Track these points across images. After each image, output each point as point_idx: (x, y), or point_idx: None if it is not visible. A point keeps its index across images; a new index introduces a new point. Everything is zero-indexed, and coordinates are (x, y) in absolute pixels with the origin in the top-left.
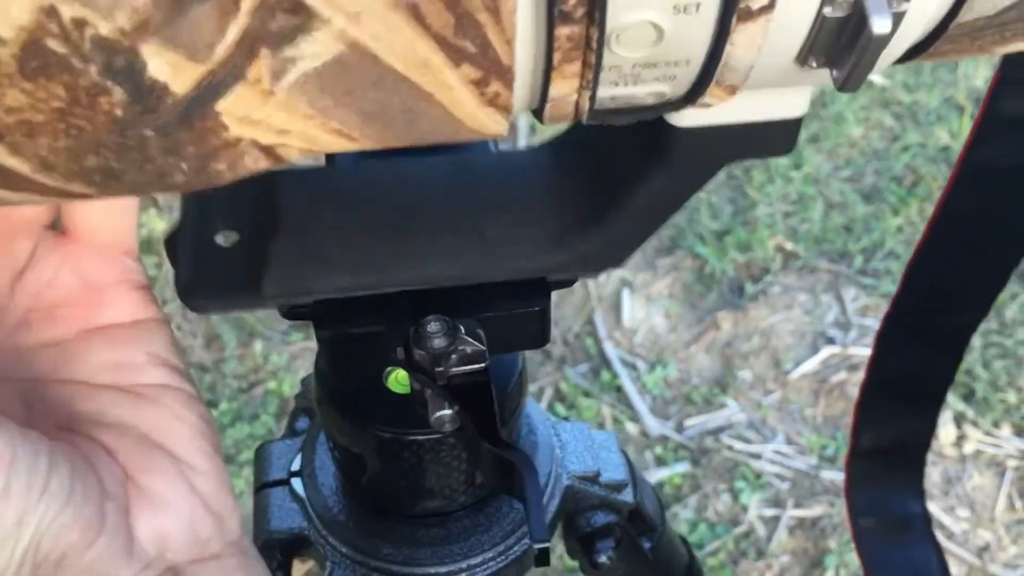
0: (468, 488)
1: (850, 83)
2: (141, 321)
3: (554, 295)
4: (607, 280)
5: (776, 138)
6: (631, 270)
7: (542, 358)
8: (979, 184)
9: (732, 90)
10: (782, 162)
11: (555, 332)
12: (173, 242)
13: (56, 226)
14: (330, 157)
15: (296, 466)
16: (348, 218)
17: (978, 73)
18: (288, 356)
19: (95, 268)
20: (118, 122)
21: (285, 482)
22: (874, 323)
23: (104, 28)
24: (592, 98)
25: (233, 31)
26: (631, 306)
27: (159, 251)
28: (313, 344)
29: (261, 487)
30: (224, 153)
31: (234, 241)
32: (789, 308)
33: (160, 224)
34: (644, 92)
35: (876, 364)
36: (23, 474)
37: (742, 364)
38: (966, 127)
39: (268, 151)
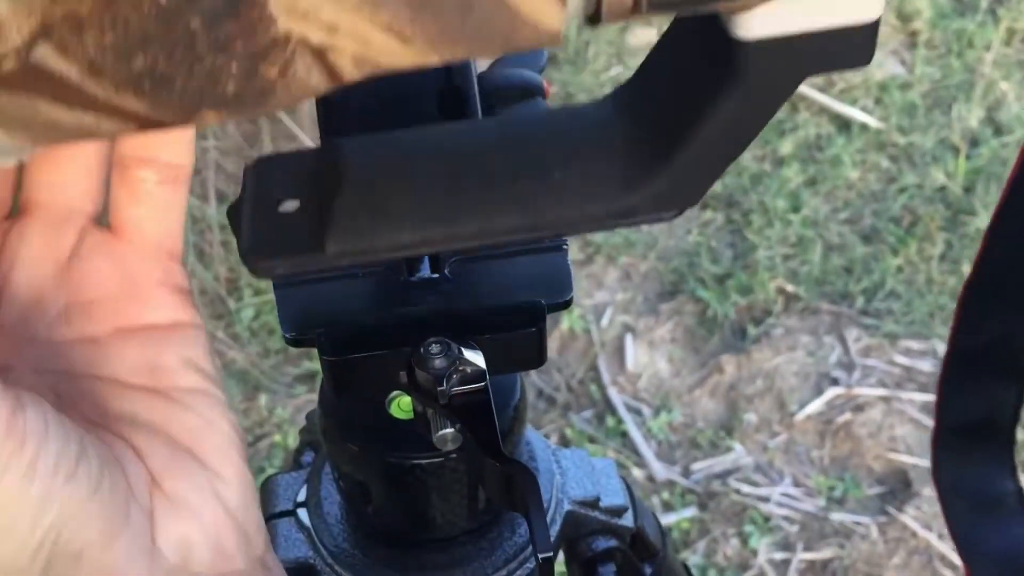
0: (471, 513)
1: None
2: (179, 324)
3: (557, 341)
4: (610, 325)
5: (852, 46)
6: (633, 315)
7: (546, 405)
8: None
9: None
10: (780, 205)
11: (559, 379)
12: (235, 211)
13: (104, 223)
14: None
15: (302, 497)
16: (412, 173)
17: (972, 115)
18: (293, 408)
19: (137, 267)
20: (164, 11)
21: (291, 513)
22: (877, 363)
23: None
24: None
25: None
26: (634, 351)
27: None
28: (317, 397)
29: (267, 519)
30: (274, 54)
31: (296, 207)
32: (792, 350)
33: None
34: None
35: (958, 334)
36: (52, 454)
37: (747, 407)
38: (962, 168)
39: (320, 56)
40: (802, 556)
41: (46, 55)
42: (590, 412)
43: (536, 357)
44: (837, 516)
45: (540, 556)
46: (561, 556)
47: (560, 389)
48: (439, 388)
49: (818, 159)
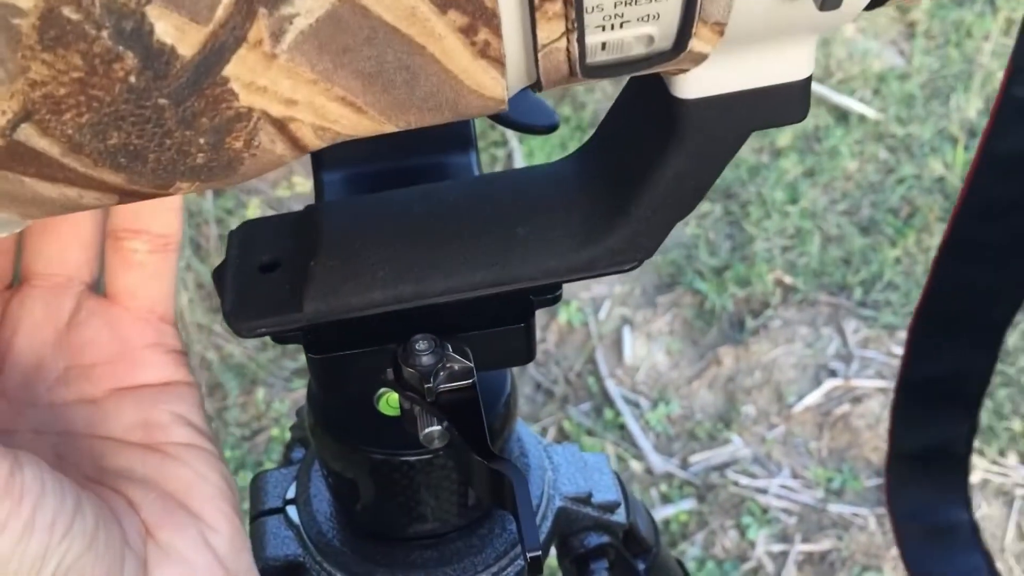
0: (461, 510)
1: (828, 1)
2: (171, 383)
3: (555, 334)
4: (607, 318)
5: (786, 103)
6: (631, 307)
7: (544, 398)
8: (999, 174)
9: (720, 29)
10: (778, 197)
11: (557, 371)
12: (220, 273)
13: (99, 290)
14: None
15: (291, 494)
16: (384, 235)
17: (970, 105)
18: (290, 403)
19: (132, 330)
20: (133, 90)
21: (280, 510)
22: (876, 354)
23: None
24: (581, 42)
25: None
26: (632, 344)
27: None
28: None
29: (257, 516)
30: (238, 127)
31: (276, 270)
32: (790, 341)
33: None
34: (632, 36)
35: (909, 366)
36: (49, 511)
37: (745, 399)
38: (960, 158)
39: (282, 128)
40: (800, 548)
41: (29, 134)
42: (588, 405)
43: (525, 353)
44: (835, 508)
45: (528, 555)
46: (553, 552)
47: (558, 382)
48: (426, 385)
49: (816, 150)
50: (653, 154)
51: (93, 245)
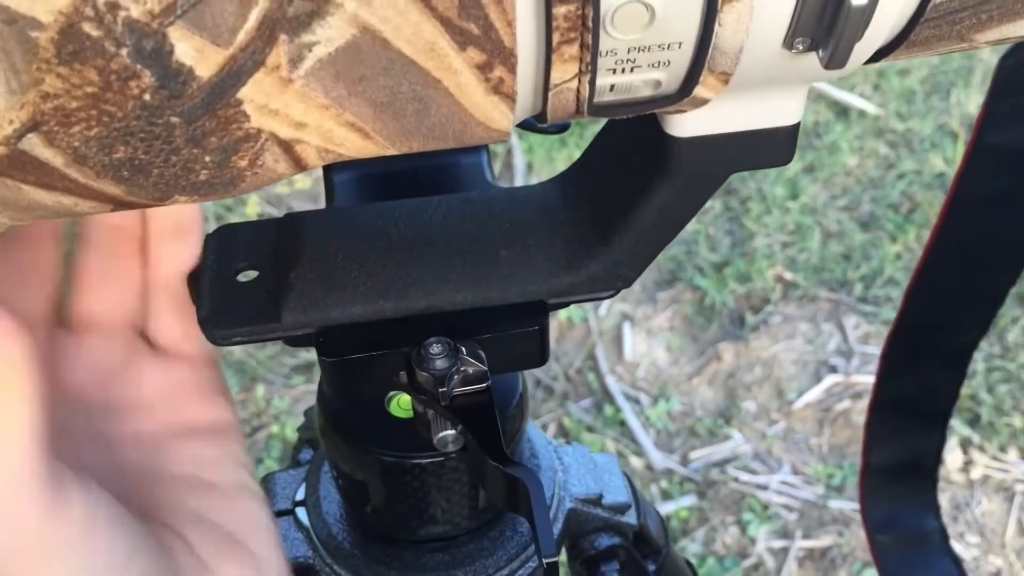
0: (472, 512)
1: (834, 60)
2: (219, 422)
3: (555, 330)
4: (608, 314)
5: (774, 147)
6: (631, 304)
7: (544, 394)
8: (970, 212)
9: (725, 78)
10: (779, 192)
11: (557, 368)
12: (194, 279)
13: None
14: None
15: (300, 496)
16: (366, 249)
17: (971, 100)
18: (290, 399)
19: (184, 372)
20: (146, 107)
21: (290, 512)
22: (876, 350)
23: (135, 11)
24: (592, 83)
25: (254, 16)
26: (632, 340)
27: None
28: (315, 387)
29: None
30: (245, 147)
31: (254, 278)
32: (791, 338)
33: None
34: (640, 80)
35: (882, 384)
36: (117, 546)
37: (745, 395)
38: (960, 153)
39: (287, 148)
40: (801, 544)
41: (34, 144)
42: (588, 401)
43: (538, 356)
44: (836, 504)
45: (545, 561)
46: (563, 553)
47: (558, 378)
48: (440, 389)
49: (816, 146)
50: (639, 186)
51: (142, 293)
